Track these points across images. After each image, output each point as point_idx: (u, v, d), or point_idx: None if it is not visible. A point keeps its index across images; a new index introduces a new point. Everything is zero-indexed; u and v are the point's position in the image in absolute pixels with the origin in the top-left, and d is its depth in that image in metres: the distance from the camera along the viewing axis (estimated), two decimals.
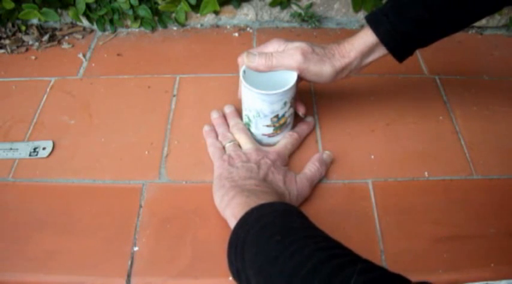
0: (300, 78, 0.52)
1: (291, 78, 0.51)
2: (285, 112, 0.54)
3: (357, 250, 0.37)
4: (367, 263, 0.34)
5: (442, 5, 0.47)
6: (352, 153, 0.58)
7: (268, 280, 0.36)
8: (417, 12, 0.48)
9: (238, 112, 0.60)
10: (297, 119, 0.60)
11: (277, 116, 0.54)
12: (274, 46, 0.53)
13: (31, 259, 0.48)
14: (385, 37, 0.49)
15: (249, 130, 0.58)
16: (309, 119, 0.61)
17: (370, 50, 0.51)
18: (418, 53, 0.74)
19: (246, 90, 0.52)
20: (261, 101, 0.51)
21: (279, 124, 0.55)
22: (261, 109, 0.53)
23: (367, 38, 0.50)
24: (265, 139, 0.58)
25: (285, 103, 0.52)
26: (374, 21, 0.50)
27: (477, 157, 0.59)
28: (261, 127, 0.56)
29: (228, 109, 0.61)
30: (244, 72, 0.53)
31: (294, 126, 0.60)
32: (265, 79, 0.52)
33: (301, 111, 0.59)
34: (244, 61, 0.52)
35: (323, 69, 0.51)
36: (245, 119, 0.57)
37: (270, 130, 0.56)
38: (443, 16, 0.48)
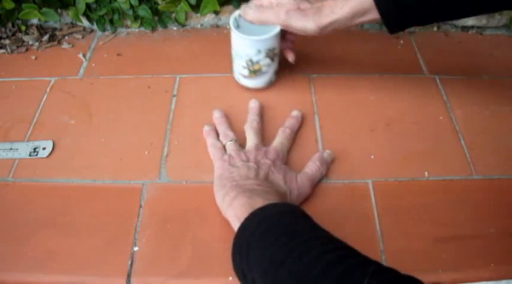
0: (285, 31, 0.58)
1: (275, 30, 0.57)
2: (259, 60, 0.59)
3: (356, 249, 0.37)
4: (377, 264, 0.34)
5: None
6: (352, 153, 0.59)
7: (275, 283, 0.36)
8: None
9: (260, 109, 0.62)
10: (286, 114, 0.60)
11: (251, 60, 0.59)
12: (270, 0, 0.56)
13: (31, 259, 0.48)
14: (379, 0, 0.49)
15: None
16: (295, 113, 0.61)
17: (364, 11, 0.51)
18: (418, 53, 0.74)
19: (231, 28, 0.58)
20: (237, 42, 0.59)
21: (253, 69, 0.61)
22: (238, 50, 0.60)
23: None
24: (242, 79, 0.64)
25: (258, 51, 0.58)
26: None
27: (477, 157, 0.59)
28: (239, 67, 0.62)
29: (253, 104, 0.62)
30: (239, 15, 0.59)
31: (276, 80, 0.65)
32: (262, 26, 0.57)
33: (290, 57, 0.63)
34: (241, 12, 0.58)
35: (306, 25, 0.54)
36: (231, 56, 0.63)
37: (246, 72, 0.62)
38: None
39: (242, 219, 0.42)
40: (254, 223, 0.41)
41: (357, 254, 0.36)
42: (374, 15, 0.51)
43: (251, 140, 0.56)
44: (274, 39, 0.57)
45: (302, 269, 0.34)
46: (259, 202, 0.44)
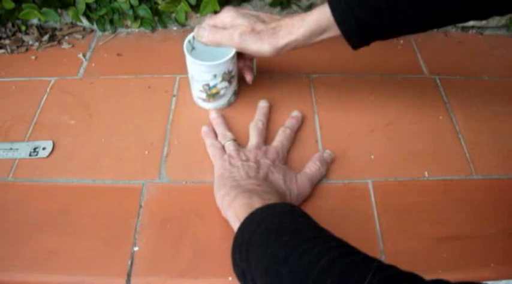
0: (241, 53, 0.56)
1: (230, 53, 0.55)
2: (216, 84, 0.58)
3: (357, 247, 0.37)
4: (380, 261, 0.34)
5: (404, 2, 0.46)
6: (352, 153, 0.59)
7: (277, 280, 0.35)
8: (377, 2, 0.46)
9: (269, 109, 0.62)
10: (286, 114, 0.61)
11: (208, 85, 0.58)
12: (223, 20, 0.54)
13: (31, 259, 0.48)
14: (339, 17, 0.48)
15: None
16: (295, 113, 0.61)
17: (322, 30, 0.50)
18: (418, 53, 0.74)
19: (185, 52, 0.56)
20: (192, 67, 0.57)
21: (210, 93, 0.59)
22: (193, 75, 0.58)
23: (321, 15, 0.49)
24: (201, 102, 0.62)
25: (214, 76, 0.56)
26: None
27: (477, 157, 0.59)
28: (196, 91, 0.60)
29: (262, 104, 0.62)
30: (193, 37, 0.57)
31: (237, 97, 0.64)
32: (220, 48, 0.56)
33: (248, 78, 0.62)
34: (195, 34, 0.56)
35: (261, 47, 0.52)
36: (189, 79, 0.61)
37: (203, 95, 0.60)
38: (404, 14, 0.46)
39: (242, 219, 0.42)
40: (254, 223, 0.41)
41: (358, 252, 0.36)
42: (334, 32, 0.50)
43: (253, 140, 0.57)
44: (229, 62, 0.55)
45: (304, 266, 0.34)
46: (259, 202, 0.44)
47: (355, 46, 0.51)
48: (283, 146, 0.56)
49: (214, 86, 0.58)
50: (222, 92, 0.59)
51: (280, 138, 0.57)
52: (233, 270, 0.42)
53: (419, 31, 0.50)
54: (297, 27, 0.50)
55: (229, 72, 0.57)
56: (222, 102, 0.62)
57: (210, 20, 0.56)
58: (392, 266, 0.33)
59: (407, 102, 0.65)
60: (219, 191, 0.50)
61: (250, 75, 0.62)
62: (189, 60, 0.56)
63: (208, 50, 0.56)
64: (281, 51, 0.52)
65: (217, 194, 0.50)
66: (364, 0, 0.46)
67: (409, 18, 0.47)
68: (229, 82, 0.59)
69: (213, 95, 0.59)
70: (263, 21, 0.53)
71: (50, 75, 0.69)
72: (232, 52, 0.55)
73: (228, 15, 0.54)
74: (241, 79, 0.63)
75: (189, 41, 0.57)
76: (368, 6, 0.46)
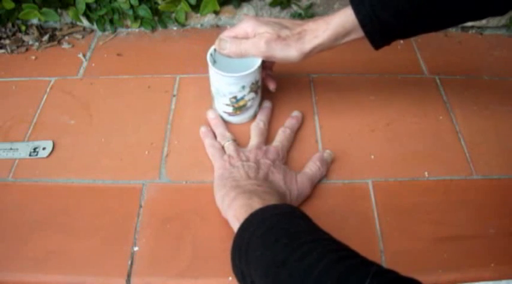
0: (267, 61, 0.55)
1: (257, 63, 0.53)
2: (244, 95, 0.56)
3: (357, 250, 0.37)
4: (379, 266, 0.34)
5: (426, 2, 0.46)
6: (352, 153, 0.59)
7: (276, 283, 0.36)
8: (399, 3, 0.47)
9: (271, 110, 0.62)
10: (286, 114, 0.61)
11: (235, 97, 0.56)
12: (245, 30, 0.53)
13: (31, 259, 0.48)
14: (363, 19, 0.48)
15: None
16: (295, 113, 0.61)
17: (347, 32, 0.50)
18: (418, 53, 0.74)
19: (209, 66, 0.55)
20: (218, 80, 0.55)
21: (238, 106, 0.57)
22: (219, 88, 0.56)
23: (345, 18, 0.49)
24: (226, 117, 0.60)
25: (243, 87, 0.54)
26: (356, 1, 0.48)
27: (477, 157, 0.59)
28: (222, 105, 0.58)
29: (266, 104, 0.62)
30: (215, 49, 0.55)
31: (259, 108, 0.62)
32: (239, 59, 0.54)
33: (272, 86, 0.61)
34: (216, 47, 0.55)
35: (289, 54, 0.51)
36: (212, 93, 0.59)
37: (230, 109, 0.58)
38: (426, 13, 0.47)
39: (242, 220, 0.42)
40: (254, 224, 0.41)
41: (357, 256, 0.36)
42: (358, 34, 0.50)
43: (254, 140, 0.57)
44: (257, 72, 0.54)
45: (303, 270, 0.34)
46: (258, 203, 0.44)
47: (378, 46, 0.51)
48: (284, 146, 0.56)
49: (242, 98, 0.56)
50: (249, 104, 0.58)
51: (280, 138, 0.57)
52: (232, 271, 0.42)
53: (440, 29, 0.51)
54: (322, 31, 0.50)
55: (256, 82, 0.56)
56: (248, 114, 0.60)
57: (230, 32, 0.54)
58: (392, 270, 0.33)
59: (407, 102, 0.65)
60: (219, 191, 0.50)
61: (274, 84, 0.61)
62: (215, 73, 0.54)
63: (230, 62, 0.54)
64: (308, 56, 0.52)
65: (217, 194, 0.50)
66: (387, 3, 0.47)
67: (431, 18, 0.48)
68: (256, 92, 0.57)
69: (240, 108, 0.58)
70: (286, 27, 0.52)
71: (50, 75, 0.69)
72: (258, 61, 0.53)
73: (249, 24, 0.53)
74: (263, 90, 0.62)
75: (211, 54, 0.55)
76: (391, 8, 0.47)
